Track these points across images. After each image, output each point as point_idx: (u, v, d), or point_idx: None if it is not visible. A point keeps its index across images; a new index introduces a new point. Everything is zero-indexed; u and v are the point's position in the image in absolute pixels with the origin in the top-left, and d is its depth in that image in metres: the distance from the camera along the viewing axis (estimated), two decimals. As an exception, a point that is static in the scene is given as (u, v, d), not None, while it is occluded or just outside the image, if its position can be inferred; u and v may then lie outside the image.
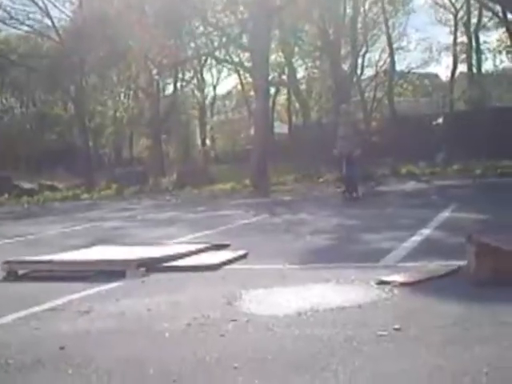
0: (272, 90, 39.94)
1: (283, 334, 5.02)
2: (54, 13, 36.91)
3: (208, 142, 46.28)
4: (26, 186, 32.47)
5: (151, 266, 8.11)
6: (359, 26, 36.48)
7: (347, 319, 5.31)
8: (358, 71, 37.85)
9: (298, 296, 6.25)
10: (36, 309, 6.52)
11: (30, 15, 36.76)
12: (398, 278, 6.63)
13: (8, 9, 35.76)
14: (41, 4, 36.07)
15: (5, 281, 8.16)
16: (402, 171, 26.70)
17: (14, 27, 37.95)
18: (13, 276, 8.24)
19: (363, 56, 38.46)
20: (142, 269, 7.95)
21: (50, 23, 36.87)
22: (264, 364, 4.31)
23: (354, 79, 36.57)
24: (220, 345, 4.84)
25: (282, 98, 45.67)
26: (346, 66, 35.78)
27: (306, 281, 6.93)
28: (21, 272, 8.35)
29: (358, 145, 17.70)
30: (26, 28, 38.52)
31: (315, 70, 40.21)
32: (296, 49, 39.86)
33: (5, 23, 37.10)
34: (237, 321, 5.44)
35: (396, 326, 4.94)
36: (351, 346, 4.59)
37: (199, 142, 45.57)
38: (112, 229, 14.57)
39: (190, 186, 26.60)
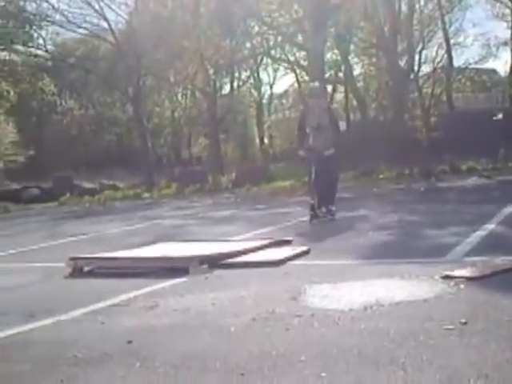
0: (329, 88, 39.82)
1: (349, 328, 5.00)
2: (110, 15, 37.21)
3: (266, 140, 46.30)
4: (87, 185, 32.90)
5: (214, 262, 8.14)
6: (415, 22, 36.15)
7: (413, 313, 5.26)
8: (415, 68, 37.52)
9: (362, 290, 6.22)
10: (102, 304, 6.60)
11: (87, 18, 37.21)
12: (464, 272, 6.55)
13: (65, 13, 36.24)
14: (97, 7, 36.49)
15: (71, 277, 8.27)
16: (462, 167, 26.37)
17: (72, 30, 38.44)
18: (78, 272, 8.34)
19: (420, 52, 38.11)
20: (205, 265, 7.99)
21: (106, 26, 37.27)
22: (330, 358, 4.30)
23: (411, 76, 36.25)
24: (286, 339, 4.84)
25: (339, 96, 45.52)
26: (402, 63, 35.48)
27: (370, 276, 6.89)
28: (86, 268, 8.45)
29: (335, 139, 12.61)
30: (82, 31, 39.01)
31: (372, 67, 39.98)
32: (352, 46, 39.71)
33: (62, 27, 37.60)
34: (302, 315, 5.43)
35: (463, 320, 4.88)
36: (418, 340, 4.54)
37: (257, 140, 45.66)
38: (173, 227, 14.66)
39: (249, 184, 26.65)
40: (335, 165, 12.62)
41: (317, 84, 14.01)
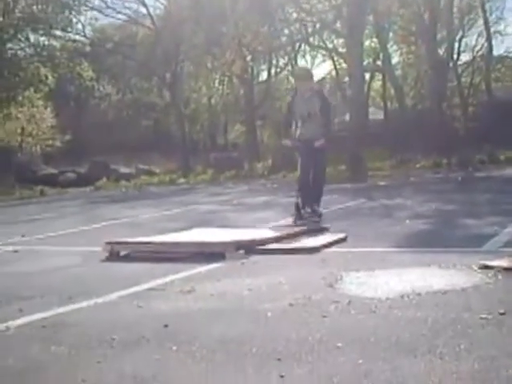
0: (367, 76, 39.62)
1: (386, 316, 4.97)
2: (148, 1, 37.34)
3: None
4: (123, 170, 33.07)
5: (250, 248, 8.14)
6: (455, 10, 35.80)
7: (450, 303, 5.23)
8: (455, 56, 37.20)
9: (399, 279, 6.19)
10: (138, 288, 6.63)
11: (126, 4, 37.35)
12: (502, 262, 6.48)
13: (104, -2, 36.44)
14: (136, -8, 36.62)
15: (107, 261, 8.32)
16: (501, 157, 26.14)
17: (110, 16, 38.59)
18: (115, 256, 8.39)
19: (459, 41, 37.80)
20: (241, 251, 7.99)
21: (144, 11, 37.36)
22: (367, 345, 4.28)
23: (450, 64, 35.94)
24: (323, 325, 4.83)
25: (376, 84, 45.25)
26: (441, 51, 35.18)
27: (407, 264, 6.86)
28: (122, 253, 8.49)
29: (326, 129, 11.04)
30: (121, 17, 39.15)
31: (410, 56, 39.69)
32: (390, 34, 39.43)
33: (101, 12, 37.76)
34: (338, 302, 5.42)
35: (501, 311, 4.84)
36: (456, 329, 4.51)
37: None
38: (209, 212, 14.70)
39: (285, 171, 26.61)
40: (322, 159, 10.99)
41: (305, 66, 13.12)
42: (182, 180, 29.69)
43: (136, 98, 49.85)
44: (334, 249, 8.26)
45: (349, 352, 4.15)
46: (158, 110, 47.26)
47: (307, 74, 11.46)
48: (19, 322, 5.54)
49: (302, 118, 10.83)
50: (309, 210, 10.65)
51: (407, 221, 10.46)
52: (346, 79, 37.05)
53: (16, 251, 9.95)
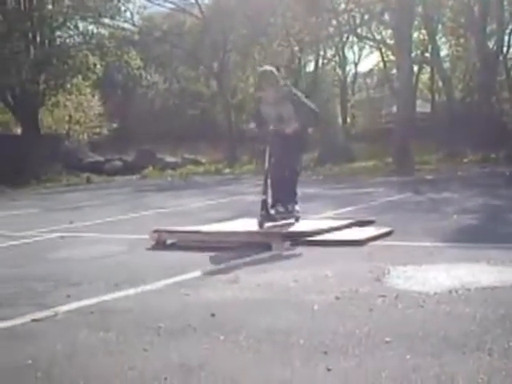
0: (415, 68, 39.29)
1: (434, 311, 4.93)
2: (196, -10, 37.18)
3: (349, 119, 45.94)
4: (170, 159, 33.16)
5: (296, 239, 8.13)
6: (505, 2, 35.30)
7: (500, 299, 5.16)
8: (504, 49, 36.68)
9: (447, 274, 6.13)
10: (185, 276, 6.66)
11: (174, -8, 37.38)
12: (553, 259, 6.39)
13: (153, -14, 36.54)
14: (185, -19, 36.66)
15: (154, 249, 8.35)
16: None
17: (159, 4, 38.66)
18: (161, 244, 8.42)
19: (510, 34, 37.23)
20: (288, 242, 7.98)
21: (193, 0, 37.35)
22: (415, 340, 4.25)
23: (500, 58, 35.47)
24: (370, 319, 4.80)
25: (424, 77, 44.85)
26: (491, 44, 34.73)
27: (455, 259, 6.78)
28: (169, 241, 8.52)
29: (309, 120, 9.56)
30: (169, 5, 39.19)
31: (459, 48, 39.24)
32: (440, 26, 39.01)
33: (149, 1, 37.86)
34: (386, 296, 5.38)
35: (551, 308, 4.78)
36: (505, 326, 4.46)
37: (340, 119, 45.34)
38: (254, 203, 14.59)
39: (331, 163, 26.50)
40: (296, 154, 9.61)
41: (267, 67, 10.05)
42: (227, 170, 29.69)
43: (183, 87, 49.95)
44: (379, 242, 8.19)
45: (396, 346, 4.12)
46: (204, 100, 47.32)
47: (271, 79, 9.30)
48: (67, 307, 5.60)
49: (273, 122, 9.31)
50: (281, 209, 9.16)
51: (455, 216, 10.35)
52: (394, 71, 36.75)
53: (63, 238, 10.06)
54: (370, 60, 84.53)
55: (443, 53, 40.53)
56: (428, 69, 42.93)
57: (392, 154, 25.02)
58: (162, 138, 37.90)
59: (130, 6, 37.33)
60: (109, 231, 8.81)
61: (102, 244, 8.53)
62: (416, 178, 19.56)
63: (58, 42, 34.73)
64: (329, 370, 3.75)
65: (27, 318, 5.30)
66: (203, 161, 33.84)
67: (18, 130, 34.41)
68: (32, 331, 4.99)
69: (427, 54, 39.90)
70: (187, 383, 3.67)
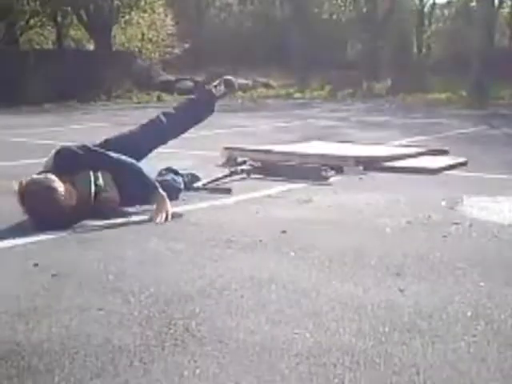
0: (495, 1, 38.25)
1: (509, 242, 4.82)
2: None
3: (424, 50, 45.14)
4: (241, 81, 32.99)
5: (369, 164, 8.02)
6: None
7: None
8: None
9: (523, 206, 6.00)
10: (255, 194, 6.64)
11: None
12: None
13: None
14: None
15: (224, 166, 8.30)
16: None
17: None
18: (232, 162, 8.37)
19: None
20: (360, 166, 7.88)
21: None
22: (489, 268, 4.15)
23: None
24: (443, 245, 4.72)
25: (504, 11, 43.71)
26: None
27: (531, 193, 6.63)
28: (239, 159, 8.46)
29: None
30: None
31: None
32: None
33: None
34: (459, 224, 5.29)
35: None
36: None
37: (415, 49, 44.58)
38: (325, 127, 14.56)
39: (404, 92, 26.14)
40: None
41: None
42: (298, 95, 29.51)
43: (257, 9, 49.53)
44: (454, 172, 8.07)
45: (470, 273, 4.04)
46: (277, 23, 46.87)
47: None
48: (137, 216, 5.61)
49: None
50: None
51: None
52: (474, 3, 35.85)
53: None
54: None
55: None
56: (508, 2, 41.85)
57: (467, 87, 24.58)
58: (234, 61, 37.70)
59: None
60: (180, 146, 8.75)
61: (174, 159, 8.47)
62: (490, 112, 19.17)
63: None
64: (401, 290, 3.70)
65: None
66: (274, 84, 33.65)
67: (91, 47, 34.55)
68: (102, 236, 5.02)
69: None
70: (257, 294, 3.64)
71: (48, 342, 3.02)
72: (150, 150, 6.54)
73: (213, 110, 7.01)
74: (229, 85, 7.10)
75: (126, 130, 6.73)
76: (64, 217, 5.14)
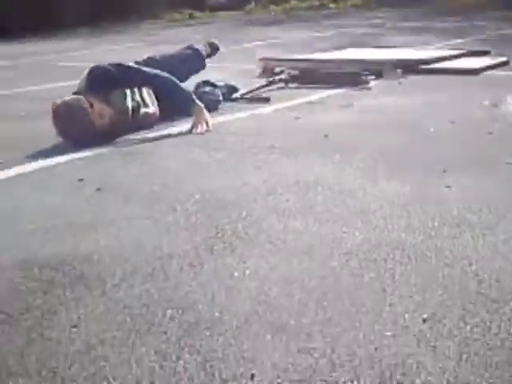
0: None
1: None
2: None
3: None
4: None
5: (408, 67, 7.89)
6: None
7: None
8: None
9: None
10: (294, 102, 6.57)
11: None
12: None
13: None
14: None
15: (261, 76, 8.21)
16: None
17: None
18: (269, 72, 8.27)
19: None
20: (399, 70, 7.76)
21: None
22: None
23: None
24: (488, 142, 4.66)
25: None
26: None
27: None
28: (277, 69, 8.36)
29: None
30: None
31: None
32: None
33: None
34: (504, 121, 5.20)
35: None
36: None
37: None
38: (361, 35, 14.29)
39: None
40: None
41: None
42: (331, 5, 28.98)
43: None
44: (495, 72, 7.92)
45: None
46: None
47: None
48: (178, 128, 5.58)
49: None
50: None
51: None
52: None
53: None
54: None
55: None
56: None
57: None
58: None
59: None
60: (216, 61, 8.61)
61: (211, 72, 8.37)
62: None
63: None
64: (448, 187, 3.65)
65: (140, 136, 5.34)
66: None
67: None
68: (144, 149, 5.01)
69: None
70: (303, 197, 3.62)
71: (98, 252, 3.03)
72: (191, 74, 6.52)
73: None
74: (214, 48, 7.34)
75: (166, 50, 6.73)
76: (95, 136, 5.12)
